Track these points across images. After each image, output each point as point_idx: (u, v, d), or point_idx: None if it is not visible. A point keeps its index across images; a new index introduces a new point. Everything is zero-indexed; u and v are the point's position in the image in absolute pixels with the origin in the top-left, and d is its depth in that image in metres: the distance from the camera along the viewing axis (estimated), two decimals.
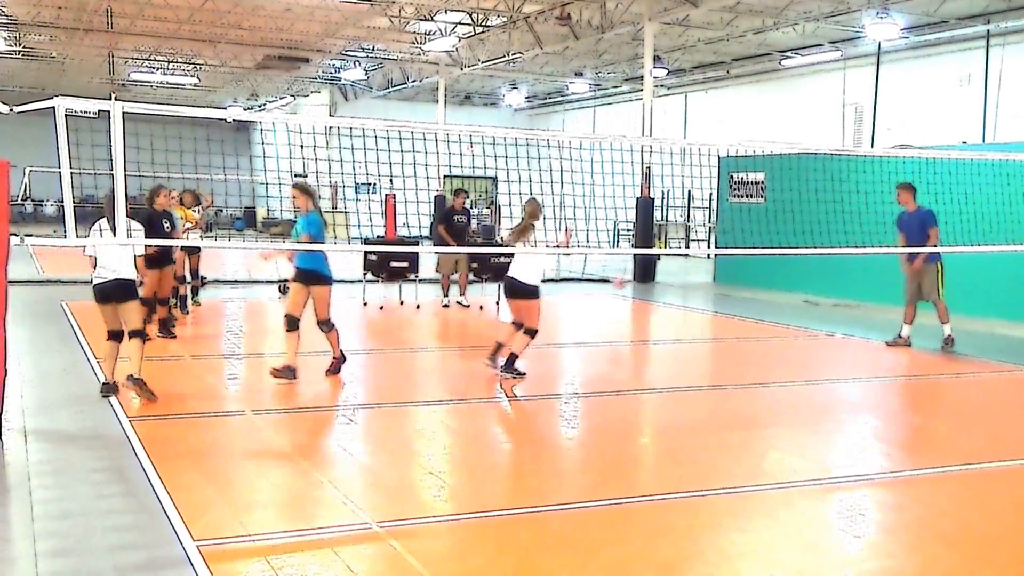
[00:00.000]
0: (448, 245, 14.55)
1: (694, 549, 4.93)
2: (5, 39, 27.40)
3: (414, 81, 32.91)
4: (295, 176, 11.48)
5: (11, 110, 6.17)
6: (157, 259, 10.77)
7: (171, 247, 10.88)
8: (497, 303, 15.06)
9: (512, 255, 8.90)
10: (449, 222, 14.68)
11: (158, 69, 33.31)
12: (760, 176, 18.98)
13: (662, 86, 29.94)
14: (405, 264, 14.67)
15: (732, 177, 19.83)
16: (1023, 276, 13.77)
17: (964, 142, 19.62)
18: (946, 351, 11.17)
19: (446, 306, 14.79)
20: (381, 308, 14.57)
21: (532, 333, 8.68)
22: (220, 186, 14.83)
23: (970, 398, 9.55)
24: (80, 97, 6.67)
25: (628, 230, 25.98)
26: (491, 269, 14.68)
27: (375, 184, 16.74)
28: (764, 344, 12.38)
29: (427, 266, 16.11)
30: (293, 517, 5.15)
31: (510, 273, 8.83)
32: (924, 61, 23.54)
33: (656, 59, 22.15)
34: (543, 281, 8.79)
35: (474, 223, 22.38)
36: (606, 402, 8.66)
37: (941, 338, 11.31)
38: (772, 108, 27.91)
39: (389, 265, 14.64)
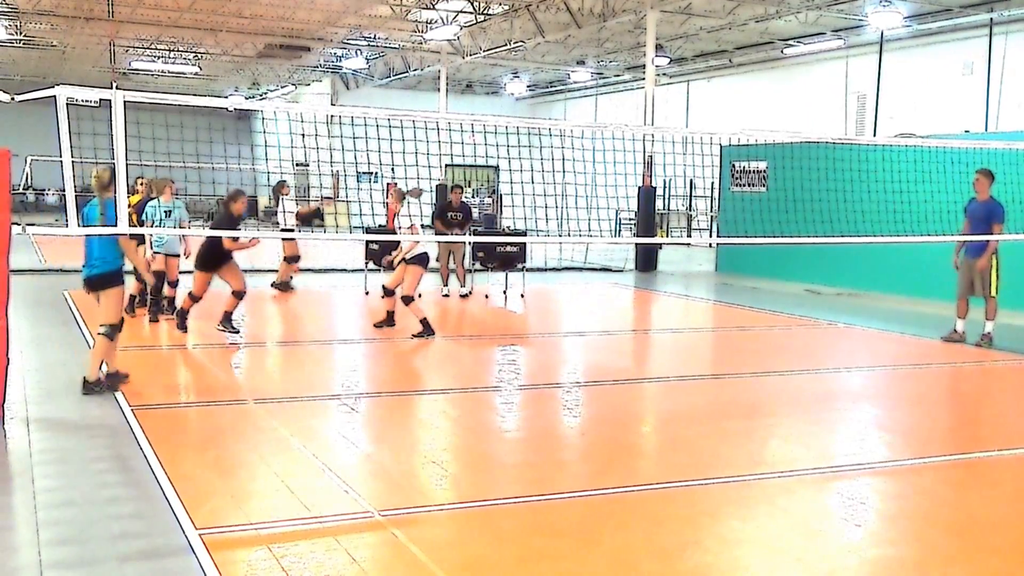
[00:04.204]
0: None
1: (695, 536, 4.94)
2: (6, 27, 27.35)
3: (415, 70, 32.82)
4: (298, 166, 11.53)
5: (12, 99, 6.16)
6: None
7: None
8: (504, 292, 15.07)
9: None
10: (444, 217, 14.73)
11: (159, 58, 33.26)
12: (762, 165, 18.96)
13: (664, 75, 29.86)
14: None
15: (734, 166, 19.80)
16: None
17: (967, 131, 19.57)
18: (981, 346, 10.71)
19: (446, 295, 14.83)
20: (383, 297, 14.55)
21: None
22: (222, 175, 14.83)
23: (972, 387, 9.56)
24: (81, 86, 6.67)
25: (630, 219, 25.98)
26: (497, 258, 14.74)
27: (376, 173, 16.74)
28: (765, 333, 12.38)
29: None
30: (295, 505, 5.16)
31: None
32: (927, 50, 23.46)
33: (658, 47, 22.09)
34: None
35: (474, 212, 22.29)
36: (607, 391, 8.66)
37: (980, 333, 10.84)
38: (774, 97, 27.84)
39: (391, 254, 14.63)
